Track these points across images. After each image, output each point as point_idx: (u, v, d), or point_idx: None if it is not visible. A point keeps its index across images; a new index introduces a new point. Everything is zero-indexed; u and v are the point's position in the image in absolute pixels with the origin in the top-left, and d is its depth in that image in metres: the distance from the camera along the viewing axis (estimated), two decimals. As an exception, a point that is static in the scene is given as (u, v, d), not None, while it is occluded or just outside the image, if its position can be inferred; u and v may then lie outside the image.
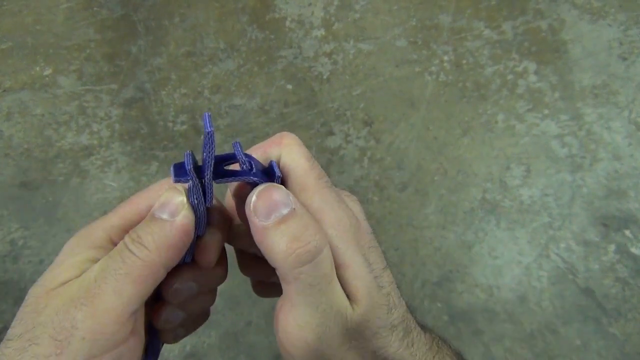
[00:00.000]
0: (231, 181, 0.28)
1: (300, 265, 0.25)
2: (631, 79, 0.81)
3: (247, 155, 0.28)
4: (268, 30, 0.90)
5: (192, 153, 0.27)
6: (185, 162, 0.26)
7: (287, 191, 0.27)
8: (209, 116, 0.25)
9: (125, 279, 0.25)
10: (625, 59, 0.83)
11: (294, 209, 0.26)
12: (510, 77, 0.83)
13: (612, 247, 0.72)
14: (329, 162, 0.80)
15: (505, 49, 0.85)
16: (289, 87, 0.85)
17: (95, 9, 0.93)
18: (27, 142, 0.83)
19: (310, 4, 0.92)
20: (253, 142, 0.82)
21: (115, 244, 0.28)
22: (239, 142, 0.28)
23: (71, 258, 0.27)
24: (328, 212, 0.27)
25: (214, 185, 0.27)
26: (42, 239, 0.76)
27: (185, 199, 0.27)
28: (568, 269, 0.71)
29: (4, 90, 0.87)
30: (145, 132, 0.83)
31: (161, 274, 0.27)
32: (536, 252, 0.73)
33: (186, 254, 0.29)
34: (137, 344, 0.26)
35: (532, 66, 0.84)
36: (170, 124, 0.84)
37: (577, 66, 0.83)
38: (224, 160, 0.28)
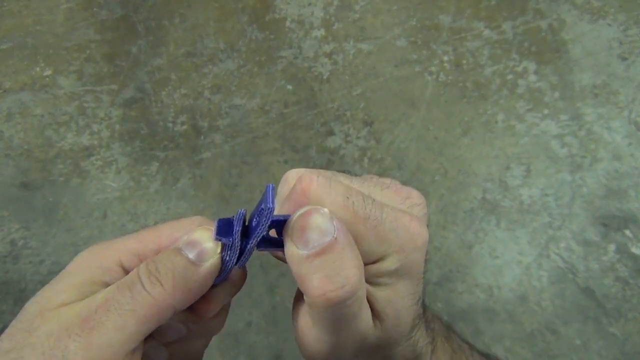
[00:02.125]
0: (274, 251, 0.27)
1: (328, 308, 0.23)
2: (631, 79, 0.81)
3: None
4: (268, 30, 0.90)
5: (245, 214, 0.25)
6: (235, 224, 0.25)
7: (331, 216, 0.24)
8: (272, 189, 0.24)
9: (131, 316, 0.23)
10: (625, 58, 0.83)
11: (335, 238, 0.23)
12: (510, 77, 0.83)
13: (612, 247, 0.72)
14: (329, 162, 0.80)
15: (505, 49, 0.85)
16: (289, 87, 0.85)
17: (95, 9, 0.93)
18: (28, 143, 0.83)
19: (310, 4, 0.92)
20: (253, 142, 0.82)
21: (123, 268, 0.26)
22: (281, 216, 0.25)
23: (74, 277, 0.26)
24: (385, 250, 0.25)
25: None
26: (43, 239, 0.77)
27: (219, 248, 0.25)
28: (568, 268, 0.71)
29: (4, 91, 0.87)
30: (145, 132, 0.83)
31: (169, 316, 0.25)
32: (536, 252, 0.73)
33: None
34: None
35: (532, 66, 0.84)
36: (170, 125, 0.84)
37: (577, 66, 0.83)
38: (270, 227, 0.25)
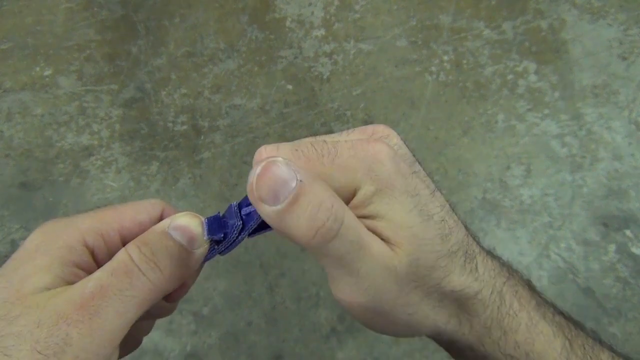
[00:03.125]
0: (262, 233, 0.27)
1: (326, 243, 0.23)
2: (631, 79, 0.81)
3: None
4: (268, 30, 0.90)
5: (236, 207, 0.26)
6: (235, 221, 0.25)
7: (287, 161, 0.23)
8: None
9: (131, 301, 0.23)
10: (625, 58, 0.83)
11: (301, 181, 0.23)
12: (510, 77, 0.83)
13: (613, 247, 0.72)
14: (329, 162, 0.80)
15: (505, 48, 0.85)
16: (289, 87, 0.85)
17: (95, 9, 0.93)
18: (28, 143, 0.83)
19: (310, 4, 0.92)
20: (253, 142, 0.82)
21: (88, 247, 0.26)
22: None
23: (39, 258, 0.25)
24: (353, 178, 0.25)
25: None
26: (43, 239, 0.76)
27: (206, 233, 0.26)
28: (568, 268, 0.71)
29: (5, 91, 0.87)
30: (145, 132, 0.83)
31: (159, 299, 0.25)
32: (536, 252, 0.73)
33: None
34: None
35: (532, 66, 0.83)
36: (170, 124, 0.84)
37: (577, 66, 0.83)
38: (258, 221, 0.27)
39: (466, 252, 0.27)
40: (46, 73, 0.88)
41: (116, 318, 0.23)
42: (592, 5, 0.87)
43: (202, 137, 0.83)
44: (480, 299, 0.27)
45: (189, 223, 0.26)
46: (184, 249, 0.25)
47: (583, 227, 0.73)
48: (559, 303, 0.75)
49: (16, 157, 0.82)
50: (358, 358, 0.69)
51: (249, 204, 0.25)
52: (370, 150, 0.25)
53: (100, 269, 0.24)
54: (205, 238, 0.26)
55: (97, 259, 0.26)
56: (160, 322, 0.71)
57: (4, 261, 0.26)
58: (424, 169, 0.29)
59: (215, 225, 0.26)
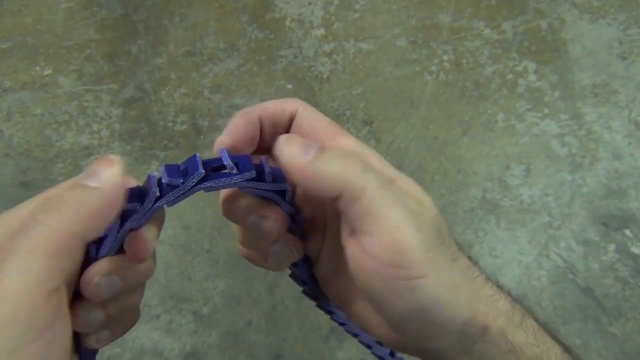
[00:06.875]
0: (220, 187, 0.28)
1: (366, 170, 0.25)
2: (631, 78, 0.81)
3: (234, 158, 0.28)
4: (268, 29, 0.90)
5: (199, 157, 0.27)
6: (199, 165, 0.27)
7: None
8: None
9: (33, 254, 0.21)
10: (625, 58, 0.83)
11: (322, 144, 0.26)
12: (510, 76, 0.83)
13: (612, 247, 0.72)
14: (329, 161, 0.80)
15: (505, 48, 0.85)
16: (289, 86, 0.85)
17: (95, 8, 0.93)
18: (27, 142, 0.83)
19: (310, 4, 0.92)
20: (253, 141, 0.82)
21: None
22: (225, 149, 0.28)
23: None
24: (364, 150, 0.28)
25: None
26: (43, 238, 0.76)
27: (121, 170, 0.25)
28: (568, 268, 0.71)
29: (4, 90, 0.87)
30: (145, 131, 0.83)
31: (78, 247, 0.23)
32: (536, 252, 0.73)
33: (112, 244, 0.26)
34: (65, 330, 0.23)
35: (532, 65, 0.83)
36: (170, 124, 0.84)
37: (577, 65, 0.83)
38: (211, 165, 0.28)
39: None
40: (46, 72, 0.88)
41: (19, 276, 0.21)
42: (592, 5, 0.87)
43: (202, 137, 0.83)
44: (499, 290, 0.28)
45: (97, 167, 0.24)
46: (88, 187, 0.23)
47: (583, 226, 0.73)
48: (558, 303, 0.75)
49: (16, 157, 0.82)
50: (358, 357, 0.69)
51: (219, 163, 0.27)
52: None
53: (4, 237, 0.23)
54: (164, 181, 0.26)
55: None
56: (160, 322, 0.71)
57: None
58: None
59: (175, 171, 0.27)
